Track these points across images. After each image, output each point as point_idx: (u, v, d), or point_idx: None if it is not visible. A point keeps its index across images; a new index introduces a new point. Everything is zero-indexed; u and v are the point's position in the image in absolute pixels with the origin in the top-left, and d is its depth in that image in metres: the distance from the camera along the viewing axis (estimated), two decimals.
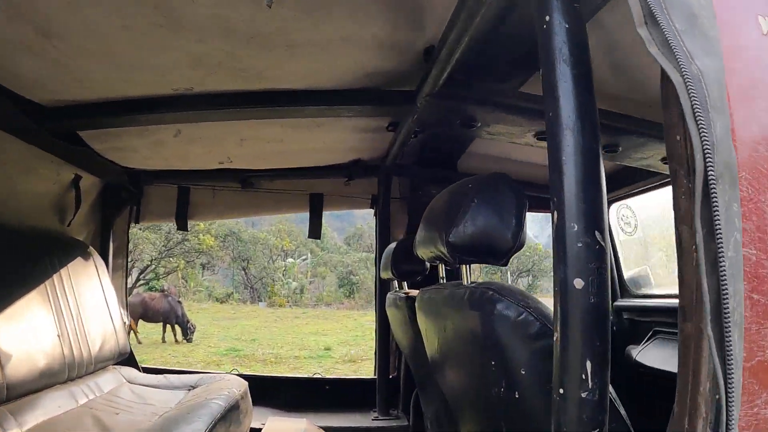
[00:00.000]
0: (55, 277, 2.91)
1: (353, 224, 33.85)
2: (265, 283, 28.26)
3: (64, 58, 2.09)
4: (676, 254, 0.94)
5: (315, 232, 4.18)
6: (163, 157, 3.48)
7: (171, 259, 24.67)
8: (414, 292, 2.77)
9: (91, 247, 3.41)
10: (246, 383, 3.11)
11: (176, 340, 16.96)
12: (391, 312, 3.02)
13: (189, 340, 16.85)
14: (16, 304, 2.53)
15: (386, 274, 3.05)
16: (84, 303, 3.09)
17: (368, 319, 21.95)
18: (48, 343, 2.67)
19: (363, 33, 2.08)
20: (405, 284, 2.97)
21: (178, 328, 16.91)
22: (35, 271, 2.78)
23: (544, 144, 1.10)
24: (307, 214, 4.08)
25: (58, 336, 2.76)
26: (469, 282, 1.66)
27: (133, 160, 3.45)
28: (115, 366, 3.34)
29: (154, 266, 23.00)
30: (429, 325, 2.03)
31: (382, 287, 3.80)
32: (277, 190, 4.05)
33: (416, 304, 2.13)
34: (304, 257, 29.68)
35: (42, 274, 2.82)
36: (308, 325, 20.95)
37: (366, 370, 12.46)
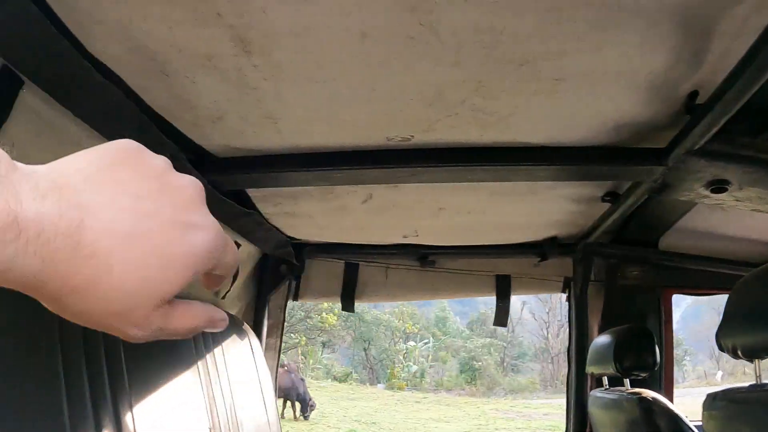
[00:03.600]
0: (209, 357, 2.49)
1: (476, 309, 33.18)
2: (384, 365, 27.88)
3: (260, 81, 1.59)
4: None
5: (502, 319, 3.60)
6: (339, 227, 3.01)
7: (292, 335, 24.77)
8: (646, 392, 2.51)
9: (246, 325, 3.01)
10: None
11: (295, 417, 17.09)
12: (600, 413, 2.76)
13: (306, 418, 16.83)
14: (164, 389, 2.10)
15: (598, 369, 2.78)
16: (238, 391, 2.66)
17: (491, 408, 21.23)
18: None
19: (640, 68, 1.54)
20: (627, 381, 2.66)
21: (297, 405, 16.97)
22: (186, 350, 2.36)
23: None
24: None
25: (210, 429, 2.33)
26: None
27: (302, 229, 3.02)
28: None
29: None
30: None
31: (580, 383, 3.33)
32: (459, 271, 3.52)
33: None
34: (426, 341, 29.11)
35: (194, 354, 2.40)
36: (429, 411, 20.31)
37: None
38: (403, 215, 2.77)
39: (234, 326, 2.84)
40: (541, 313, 30.12)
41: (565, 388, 3.52)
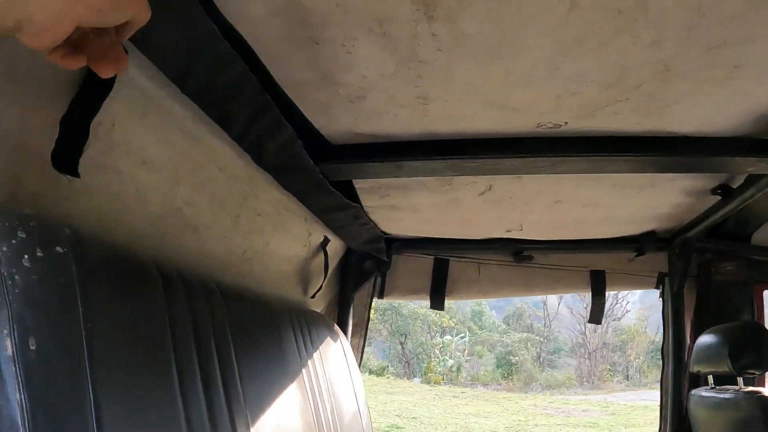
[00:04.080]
0: (310, 362, 2.36)
1: (512, 303, 32.96)
2: (420, 359, 27.78)
3: (433, 53, 1.41)
4: None
5: (597, 316, 3.49)
6: (443, 221, 2.89)
7: None
8: (765, 390, 2.47)
9: (336, 327, 2.87)
10: None
11: None
12: (707, 413, 2.71)
13: None
14: (276, 402, 1.96)
15: (707, 367, 2.75)
16: (337, 394, 2.53)
17: (529, 403, 21.06)
18: None
19: None
20: (740, 380, 2.62)
21: None
22: (289, 356, 2.21)
23: None
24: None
25: None
26: None
27: (400, 223, 2.90)
28: None
29: None
30: None
31: (677, 382, 3.24)
32: (553, 266, 3.40)
33: None
34: (462, 335, 28.97)
35: (298, 360, 2.26)
36: (468, 406, 20.17)
37: None
38: (515, 208, 2.65)
39: (327, 328, 2.71)
40: (579, 308, 29.83)
41: (660, 388, 3.40)
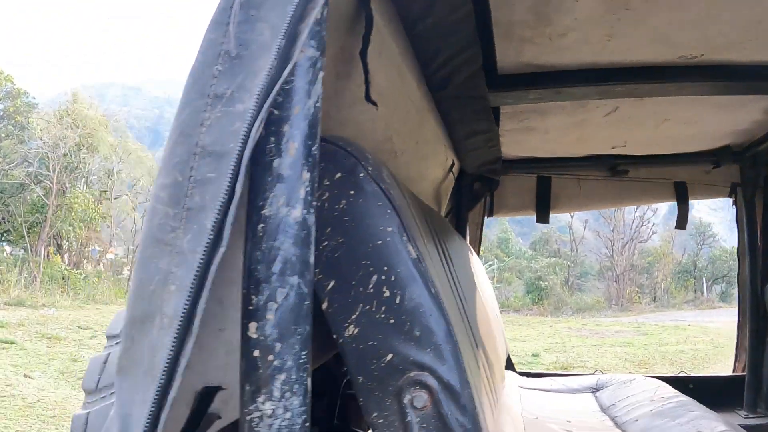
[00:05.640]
0: (446, 252, 2.63)
1: (537, 228, 33.11)
2: None
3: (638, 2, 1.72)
4: None
5: (683, 222, 3.88)
6: (566, 141, 3.21)
7: None
8: None
9: (465, 241, 3.14)
10: (665, 384, 2.78)
11: None
12: None
13: None
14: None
15: None
16: (468, 284, 2.81)
17: (563, 326, 21.29)
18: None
19: None
20: None
21: None
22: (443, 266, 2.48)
23: None
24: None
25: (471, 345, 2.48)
26: None
27: (521, 144, 3.21)
28: None
29: None
30: None
31: (753, 277, 3.53)
32: (642, 179, 3.73)
33: None
34: (490, 263, 29.23)
35: (447, 272, 2.53)
36: (505, 331, 20.46)
37: None
38: (629, 127, 2.95)
39: (461, 243, 2.95)
40: (606, 231, 29.91)
41: (737, 287, 3.82)
